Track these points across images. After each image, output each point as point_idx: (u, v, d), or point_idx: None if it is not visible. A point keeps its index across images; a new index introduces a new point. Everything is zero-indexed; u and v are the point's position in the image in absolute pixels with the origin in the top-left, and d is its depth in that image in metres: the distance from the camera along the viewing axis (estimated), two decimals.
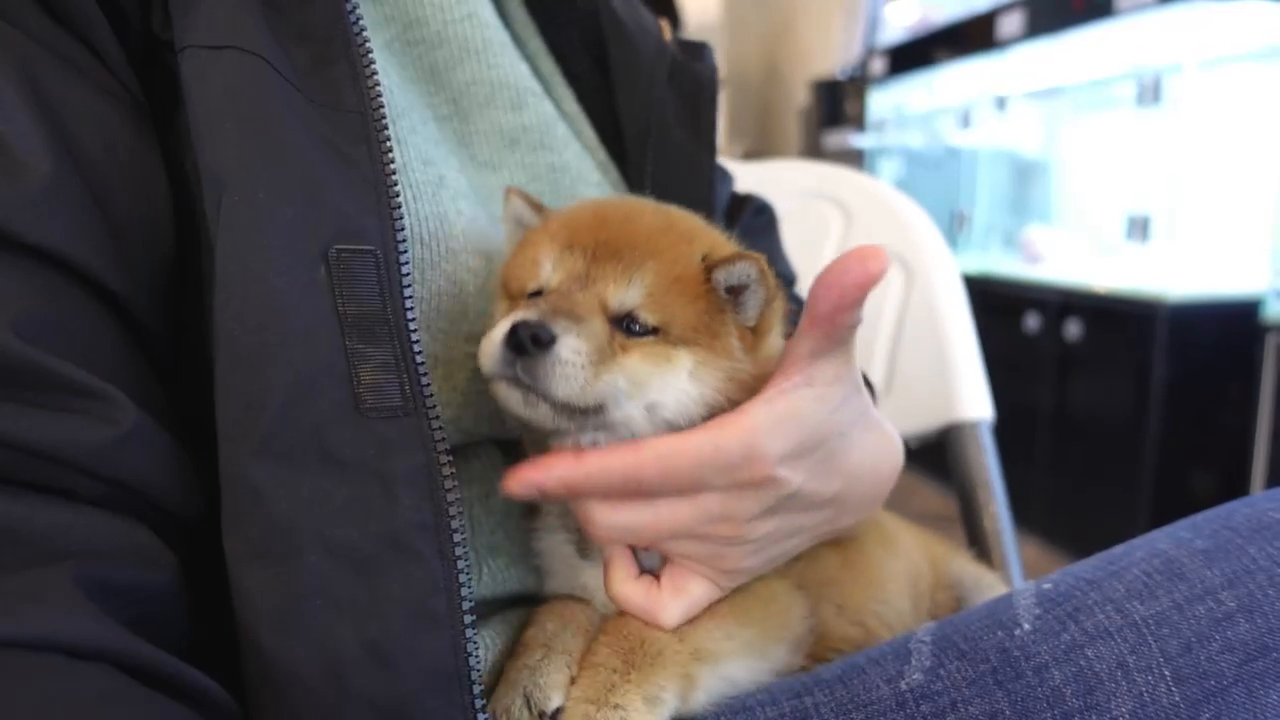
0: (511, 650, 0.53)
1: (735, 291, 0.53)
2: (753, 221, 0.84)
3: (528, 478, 0.48)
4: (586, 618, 0.54)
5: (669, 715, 0.47)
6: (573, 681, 0.48)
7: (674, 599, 0.51)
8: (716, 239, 0.57)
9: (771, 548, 0.53)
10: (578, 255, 0.51)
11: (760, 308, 0.54)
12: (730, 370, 0.52)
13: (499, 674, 0.52)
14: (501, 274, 0.56)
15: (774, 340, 0.56)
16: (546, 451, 0.51)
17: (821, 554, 0.59)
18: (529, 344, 0.46)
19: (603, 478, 0.48)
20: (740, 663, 0.52)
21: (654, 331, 0.50)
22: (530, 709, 0.47)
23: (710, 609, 0.52)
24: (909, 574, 0.67)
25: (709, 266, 0.52)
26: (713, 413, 0.51)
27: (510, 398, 0.49)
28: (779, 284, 0.55)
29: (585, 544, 0.55)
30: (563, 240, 0.52)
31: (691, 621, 0.51)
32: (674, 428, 0.50)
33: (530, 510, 0.59)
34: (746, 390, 0.52)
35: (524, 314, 0.47)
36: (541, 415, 0.49)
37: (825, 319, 0.48)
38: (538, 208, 0.58)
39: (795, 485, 0.50)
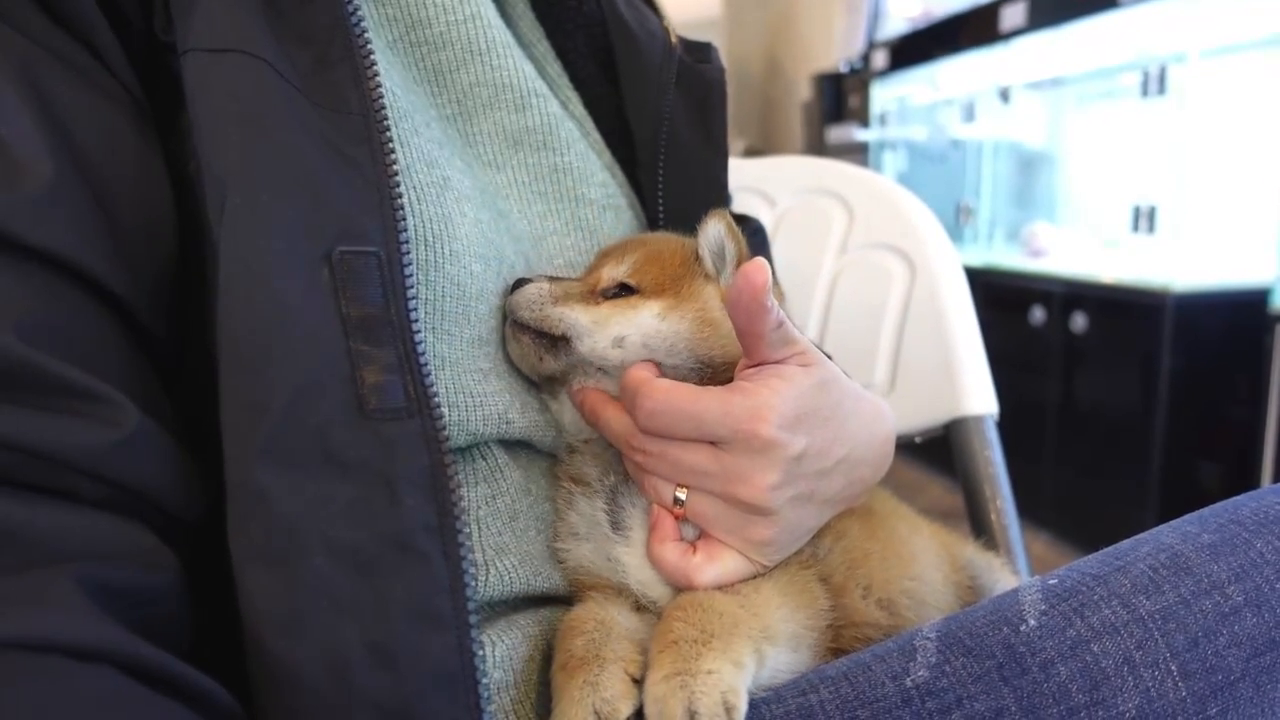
0: (541, 651, 0.54)
1: (721, 261, 0.63)
2: (750, 241, 0.84)
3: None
4: (626, 620, 0.55)
5: (750, 683, 0.48)
6: (636, 682, 0.49)
7: (707, 563, 0.55)
8: None
9: (791, 515, 0.55)
10: (602, 254, 0.67)
11: (736, 264, 0.63)
12: (701, 314, 0.61)
13: (511, 671, 0.53)
14: None
15: None
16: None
17: (846, 528, 0.62)
18: (512, 286, 0.61)
19: (624, 381, 0.57)
20: (785, 653, 0.53)
21: (635, 292, 0.62)
22: None
23: (765, 591, 0.55)
24: (936, 551, 0.68)
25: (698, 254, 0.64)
26: (699, 357, 0.60)
27: (505, 334, 0.61)
28: (745, 239, 0.65)
29: (618, 517, 0.59)
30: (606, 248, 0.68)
31: (761, 599, 0.54)
32: (658, 360, 0.59)
33: (574, 477, 0.62)
34: (732, 341, 0.58)
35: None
36: (525, 348, 0.60)
37: (752, 334, 0.54)
38: None
39: (800, 448, 0.54)
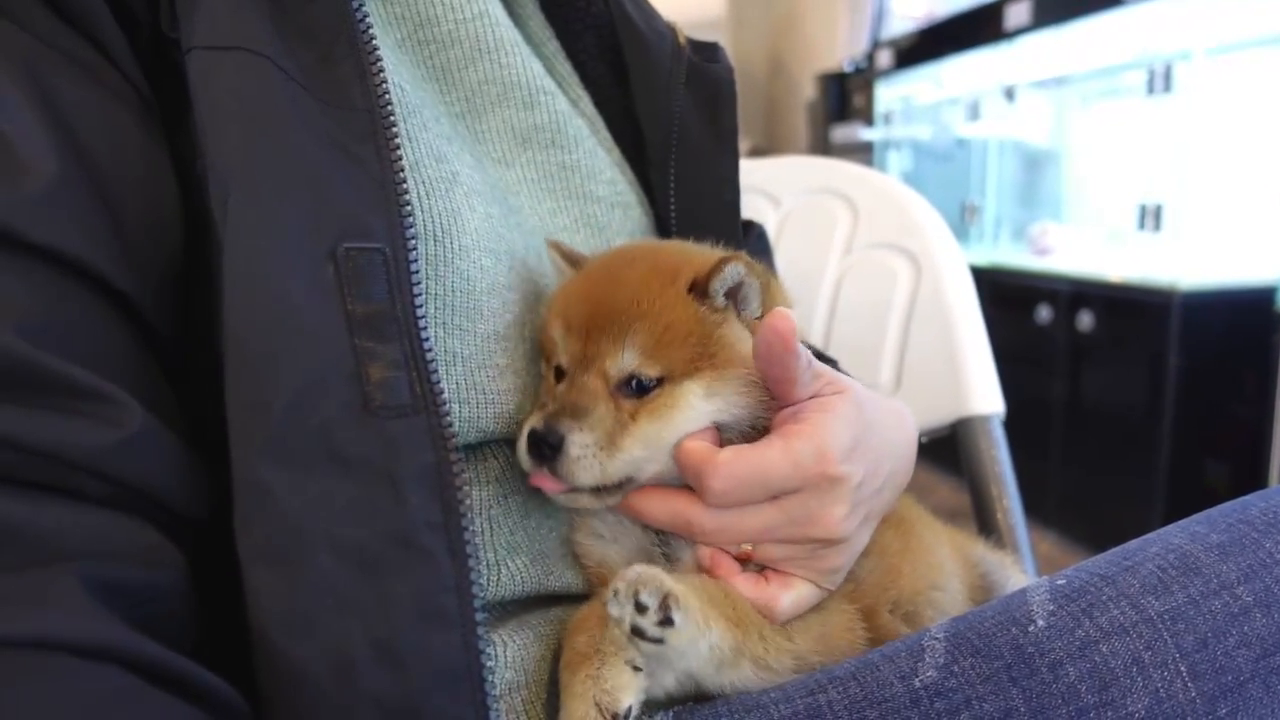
0: (554, 651, 0.54)
1: (734, 293, 0.57)
2: (754, 246, 0.85)
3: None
4: None
5: (705, 648, 0.49)
6: (639, 673, 0.50)
7: (783, 591, 0.55)
8: (702, 259, 0.59)
9: (856, 538, 0.57)
10: (576, 336, 0.56)
11: (761, 296, 0.59)
12: (745, 377, 0.56)
13: (524, 671, 0.53)
14: (540, 338, 0.60)
15: None
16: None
17: (886, 544, 0.62)
18: (547, 451, 0.53)
19: (683, 460, 0.54)
20: (786, 675, 0.54)
21: (659, 381, 0.55)
22: (603, 714, 0.48)
23: (804, 634, 0.55)
24: (954, 555, 0.69)
25: (700, 287, 0.56)
26: (752, 420, 0.56)
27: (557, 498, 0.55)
28: (764, 269, 0.61)
29: (669, 549, 0.58)
30: (563, 319, 0.57)
31: (783, 636, 0.54)
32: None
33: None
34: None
35: (534, 421, 0.54)
36: (585, 501, 0.55)
37: (786, 381, 0.53)
38: (571, 260, 0.61)
39: (859, 477, 0.54)
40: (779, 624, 0.55)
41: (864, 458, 0.55)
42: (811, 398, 0.55)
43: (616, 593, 0.47)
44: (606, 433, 0.53)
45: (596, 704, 0.48)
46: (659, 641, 0.47)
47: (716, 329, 0.56)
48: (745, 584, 0.55)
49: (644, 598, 0.47)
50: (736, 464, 0.52)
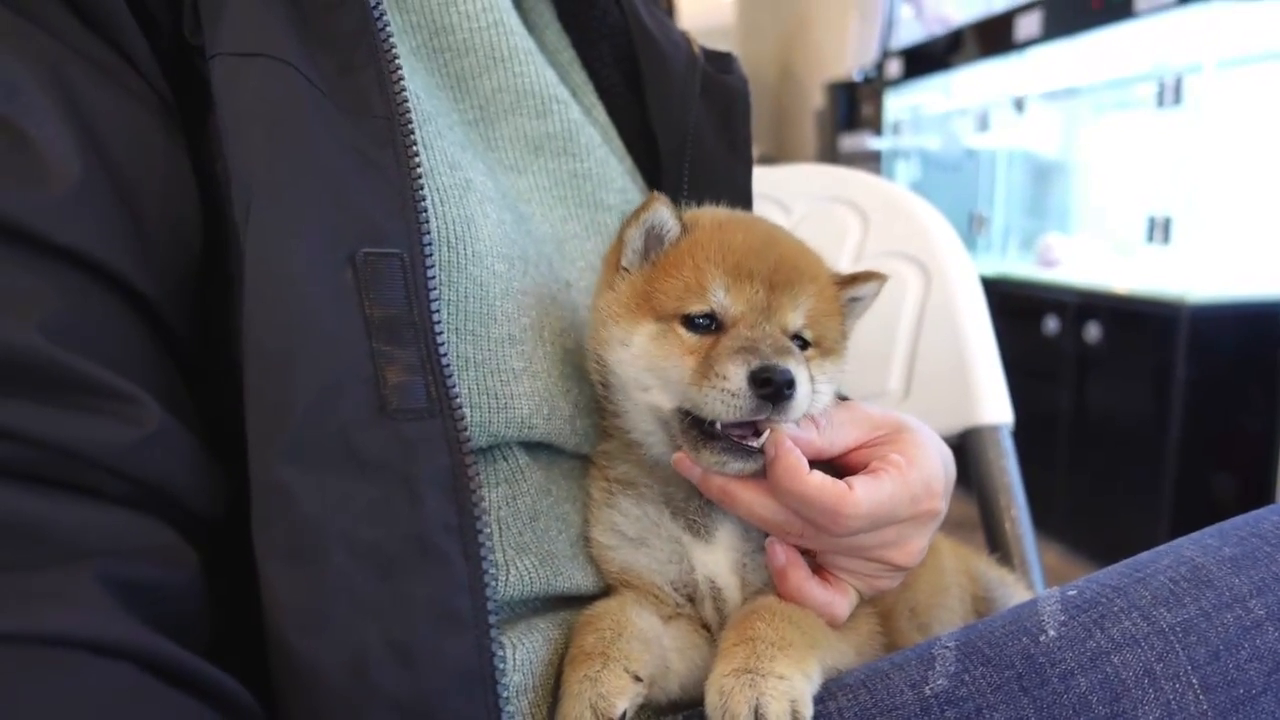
0: (561, 655, 0.54)
1: (851, 304, 0.62)
2: None
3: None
4: (643, 622, 0.55)
5: (813, 693, 0.49)
6: (638, 680, 0.50)
7: (842, 598, 0.57)
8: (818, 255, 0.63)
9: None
10: (757, 284, 0.55)
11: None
12: (842, 367, 0.59)
13: (531, 674, 0.53)
14: (639, 289, 0.57)
15: None
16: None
17: None
18: (785, 390, 0.50)
19: (806, 495, 0.52)
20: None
21: (807, 346, 0.57)
22: (597, 717, 0.48)
23: (843, 641, 0.57)
24: (960, 570, 0.71)
25: (847, 283, 0.61)
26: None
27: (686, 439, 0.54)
28: None
29: (698, 525, 0.59)
30: (732, 268, 0.55)
31: (840, 640, 0.57)
32: None
33: (617, 479, 0.61)
34: None
35: (760, 360, 0.51)
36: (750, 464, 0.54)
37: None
38: (680, 220, 0.59)
39: (942, 512, 0.58)
40: (836, 628, 0.56)
41: (945, 495, 0.58)
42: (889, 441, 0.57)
43: None
44: (807, 378, 0.53)
45: (592, 706, 0.48)
46: None
47: (849, 324, 0.61)
48: (819, 592, 0.56)
49: None
50: (868, 500, 0.53)
